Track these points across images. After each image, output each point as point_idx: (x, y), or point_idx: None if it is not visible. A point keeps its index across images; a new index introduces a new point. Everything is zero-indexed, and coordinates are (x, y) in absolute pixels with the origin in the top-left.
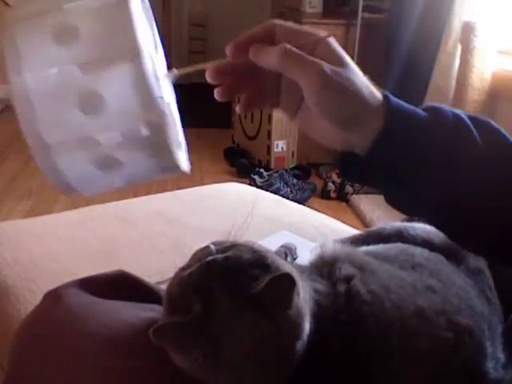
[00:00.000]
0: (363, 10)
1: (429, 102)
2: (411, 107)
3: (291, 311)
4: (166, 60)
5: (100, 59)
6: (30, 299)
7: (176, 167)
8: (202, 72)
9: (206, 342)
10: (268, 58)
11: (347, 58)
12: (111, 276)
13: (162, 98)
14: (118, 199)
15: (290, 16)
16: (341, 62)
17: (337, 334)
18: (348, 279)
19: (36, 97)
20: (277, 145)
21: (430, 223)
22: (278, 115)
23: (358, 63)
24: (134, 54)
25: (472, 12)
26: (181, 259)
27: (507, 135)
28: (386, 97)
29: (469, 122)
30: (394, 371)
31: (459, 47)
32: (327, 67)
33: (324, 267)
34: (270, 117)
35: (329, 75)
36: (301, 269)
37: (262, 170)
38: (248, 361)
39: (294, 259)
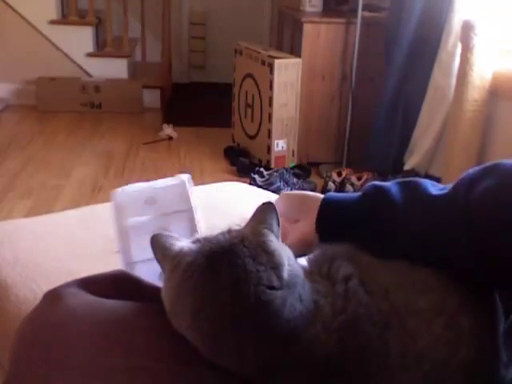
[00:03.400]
0: (363, 9)
1: (429, 100)
2: (344, 194)
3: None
4: (167, 58)
5: (170, 212)
6: (30, 298)
7: None
8: (203, 71)
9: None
10: None
11: None
12: (111, 276)
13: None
14: None
15: (289, 15)
16: None
17: (335, 335)
18: (347, 279)
19: (133, 234)
20: (277, 144)
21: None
22: (277, 114)
23: (358, 62)
24: (188, 208)
25: (472, 10)
26: None
27: (427, 188)
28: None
29: (388, 187)
30: (392, 372)
31: (459, 46)
32: None
33: (323, 267)
34: (270, 116)
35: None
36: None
37: (262, 169)
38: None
39: None
